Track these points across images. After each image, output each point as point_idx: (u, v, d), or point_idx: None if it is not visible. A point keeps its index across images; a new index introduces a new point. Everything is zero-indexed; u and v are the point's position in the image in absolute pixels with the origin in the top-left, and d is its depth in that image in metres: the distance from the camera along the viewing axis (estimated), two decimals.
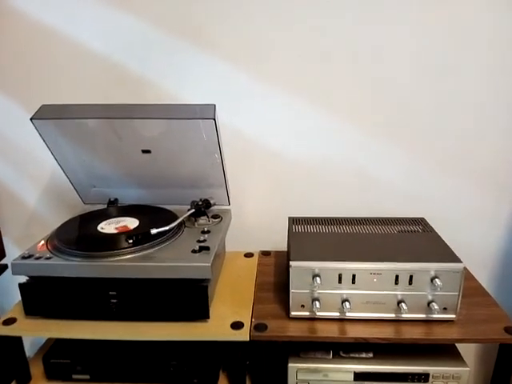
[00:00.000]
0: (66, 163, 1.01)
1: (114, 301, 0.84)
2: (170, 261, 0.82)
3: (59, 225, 0.97)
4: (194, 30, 1.05)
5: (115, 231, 0.92)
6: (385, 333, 0.81)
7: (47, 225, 1.21)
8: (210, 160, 0.97)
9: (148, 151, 0.98)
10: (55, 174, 1.19)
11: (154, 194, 1.08)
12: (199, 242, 0.89)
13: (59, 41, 1.08)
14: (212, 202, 1.01)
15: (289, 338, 0.82)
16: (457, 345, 0.89)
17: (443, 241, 0.91)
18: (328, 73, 1.07)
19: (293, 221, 1.03)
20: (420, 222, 1.01)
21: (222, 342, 0.84)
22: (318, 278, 0.81)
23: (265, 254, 1.14)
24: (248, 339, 0.81)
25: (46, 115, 0.90)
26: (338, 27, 1.03)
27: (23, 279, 0.86)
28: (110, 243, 0.87)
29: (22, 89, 1.13)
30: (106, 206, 1.07)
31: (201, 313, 0.84)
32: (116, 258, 0.83)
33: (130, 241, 0.86)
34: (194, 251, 0.85)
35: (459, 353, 0.87)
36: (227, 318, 0.86)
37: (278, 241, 1.17)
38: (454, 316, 0.83)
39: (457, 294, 0.81)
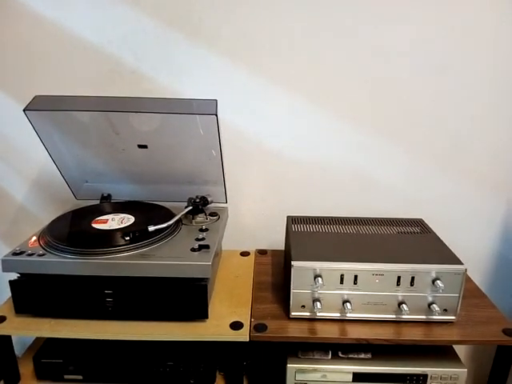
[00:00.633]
0: (59, 157, 0.98)
1: (110, 299, 0.82)
2: (169, 259, 0.80)
3: (50, 220, 0.94)
4: (193, 23, 1.03)
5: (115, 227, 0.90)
6: (385, 334, 0.81)
7: (35, 220, 1.18)
8: (208, 156, 0.95)
9: (145, 146, 0.96)
10: (44, 168, 1.15)
11: (148, 190, 1.06)
12: (198, 240, 0.88)
13: (53, 32, 1.04)
14: (209, 199, 0.99)
15: (289, 339, 0.81)
16: (453, 345, 0.89)
17: (443, 242, 0.91)
18: (328, 72, 1.06)
19: (292, 220, 1.02)
20: (418, 223, 1.01)
21: (219, 342, 0.82)
22: (319, 279, 0.80)
23: (261, 252, 1.13)
24: (248, 340, 0.79)
25: (39, 106, 0.87)
26: (338, 27, 1.02)
27: (14, 276, 0.83)
28: (106, 240, 0.85)
29: (12, 80, 1.09)
30: (98, 201, 1.05)
31: (199, 312, 0.83)
32: (113, 256, 0.81)
33: (127, 238, 0.84)
34: (193, 249, 0.83)
35: (456, 354, 0.88)
36: (225, 318, 0.84)
37: (274, 240, 1.16)
38: (453, 317, 0.83)
39: (457, 295, 0.81)
